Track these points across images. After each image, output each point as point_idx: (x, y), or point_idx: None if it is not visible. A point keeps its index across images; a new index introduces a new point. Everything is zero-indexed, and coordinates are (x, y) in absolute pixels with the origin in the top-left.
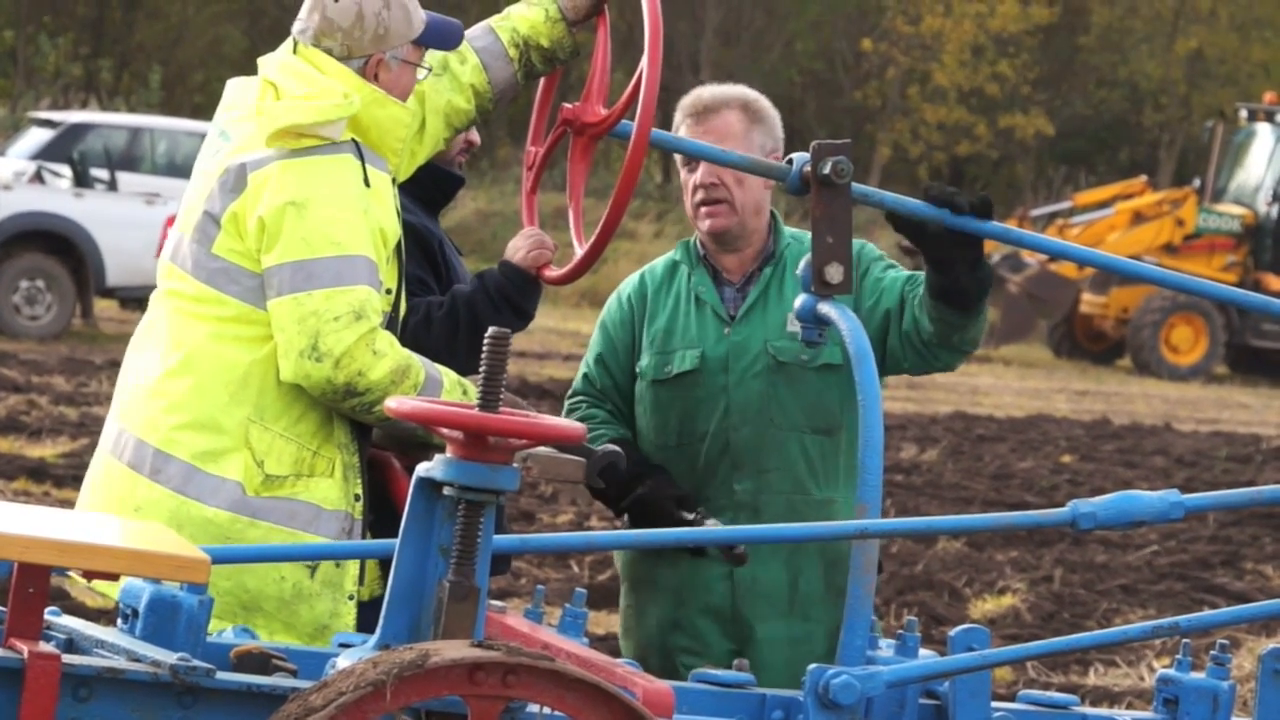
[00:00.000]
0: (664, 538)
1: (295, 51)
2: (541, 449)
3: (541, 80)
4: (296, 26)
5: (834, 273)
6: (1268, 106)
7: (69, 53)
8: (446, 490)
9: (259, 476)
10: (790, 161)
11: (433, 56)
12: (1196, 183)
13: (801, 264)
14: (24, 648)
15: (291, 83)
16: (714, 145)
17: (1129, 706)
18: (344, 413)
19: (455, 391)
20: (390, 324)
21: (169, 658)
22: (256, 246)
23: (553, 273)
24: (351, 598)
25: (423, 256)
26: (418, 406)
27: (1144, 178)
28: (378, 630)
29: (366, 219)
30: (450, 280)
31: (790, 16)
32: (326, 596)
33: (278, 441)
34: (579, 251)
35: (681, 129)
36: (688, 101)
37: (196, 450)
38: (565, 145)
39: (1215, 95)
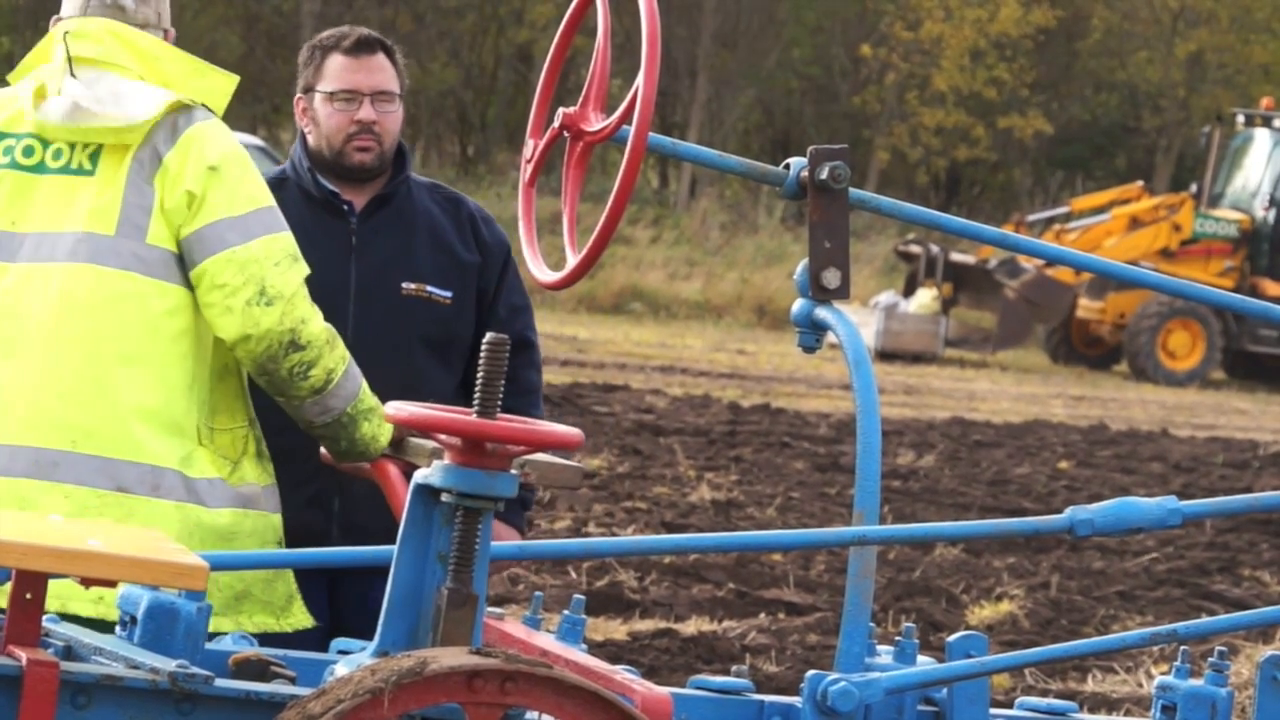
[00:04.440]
0: (659, 545)
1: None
2: (539, 455)
3: (543, 74)
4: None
5: (831, 278)
6: (1265, 112)
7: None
8: (444, 497)
9: (227, 467)
10: (787, 167)
11: None
12: (1193, 188)
13: (799, 269)
14: (22, 654)
15: (126, 57)
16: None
17: (1127, 713)
18: (279, 381)
19: (365, 382)
20: None
21: (167, 664)
22: (182, 221)
23: (550, 277)
24: None
25: None
26: (417, 413)
27: (1141, 183)
28: (376, 637)
29: (257, 171)
30: None
31: (788, 22)
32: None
33: (216, 435)
34: (572, 258)
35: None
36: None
37: (178, 457)
38: (562, 149)
39: (1215, 98)
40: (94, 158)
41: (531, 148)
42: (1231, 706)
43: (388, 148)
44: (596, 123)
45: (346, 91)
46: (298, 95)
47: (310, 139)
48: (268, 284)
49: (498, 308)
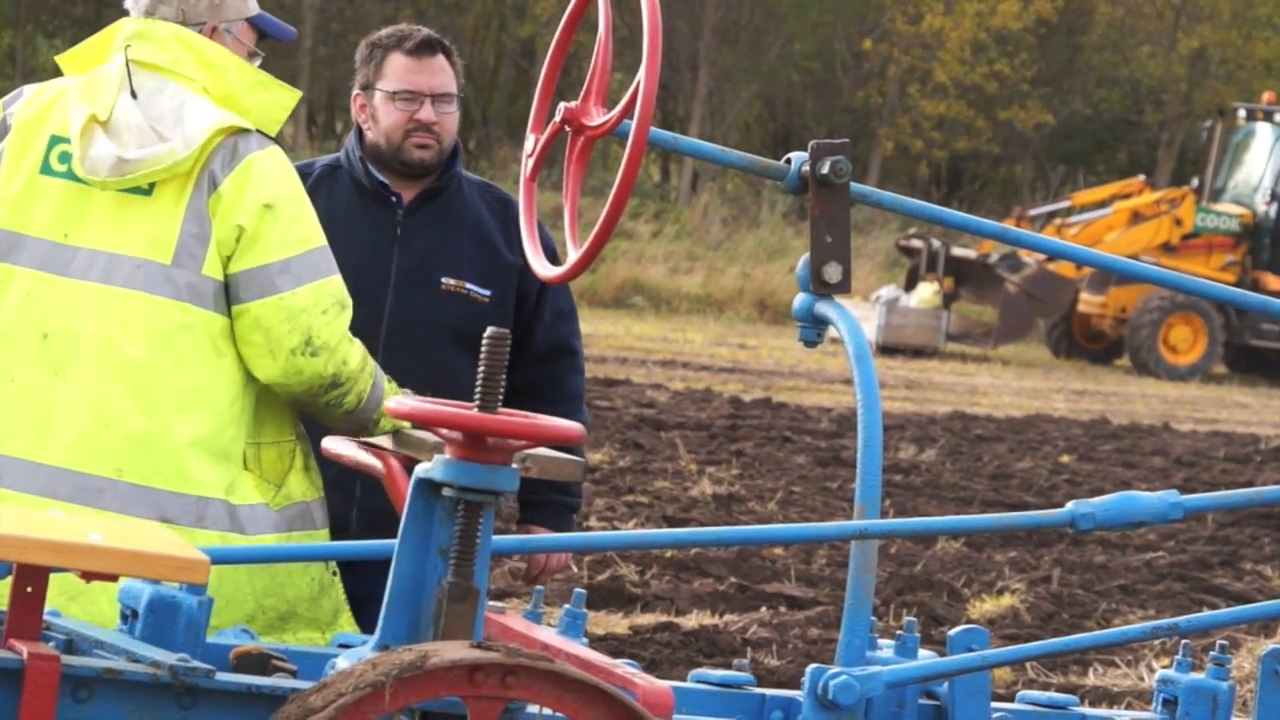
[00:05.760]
0: (660, 539)
1: (142, 34)
2: (540, 449)
3: (544, 68)
4: (129, 2)
5: (832, 272)
6: (1266, 106)
7: None
8: (445, 491)
9: (271, 491)
10: (789, 161)
11: None
12: (1195, 182)
13: (800, 263)
14: (23, 648)
15: (192, 67)
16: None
17: (1128, 707)
18: (316, 409)
19: (385, 378)
20: None
21: (168, 658)
22: (229, 253)
23: (551, 272)
24: (335, 573)
25: None
26: (417, 407)
27: (1142, 177)
28: (377, 631)
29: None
30: None
31: (789, 16)
32: (335, 582)
33: (259, 452)
34: (574, 252)
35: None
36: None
37: (224, 485)
38: (563, 143)
39: (1217, 93)
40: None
41: (533, 142)
42: (1233, 700)
43: (446, 146)
44: (598, 117)
45: (407, 92)
46: (355, 91)
47: (368, 134)
48: (314, 334)
49: (542, 312)
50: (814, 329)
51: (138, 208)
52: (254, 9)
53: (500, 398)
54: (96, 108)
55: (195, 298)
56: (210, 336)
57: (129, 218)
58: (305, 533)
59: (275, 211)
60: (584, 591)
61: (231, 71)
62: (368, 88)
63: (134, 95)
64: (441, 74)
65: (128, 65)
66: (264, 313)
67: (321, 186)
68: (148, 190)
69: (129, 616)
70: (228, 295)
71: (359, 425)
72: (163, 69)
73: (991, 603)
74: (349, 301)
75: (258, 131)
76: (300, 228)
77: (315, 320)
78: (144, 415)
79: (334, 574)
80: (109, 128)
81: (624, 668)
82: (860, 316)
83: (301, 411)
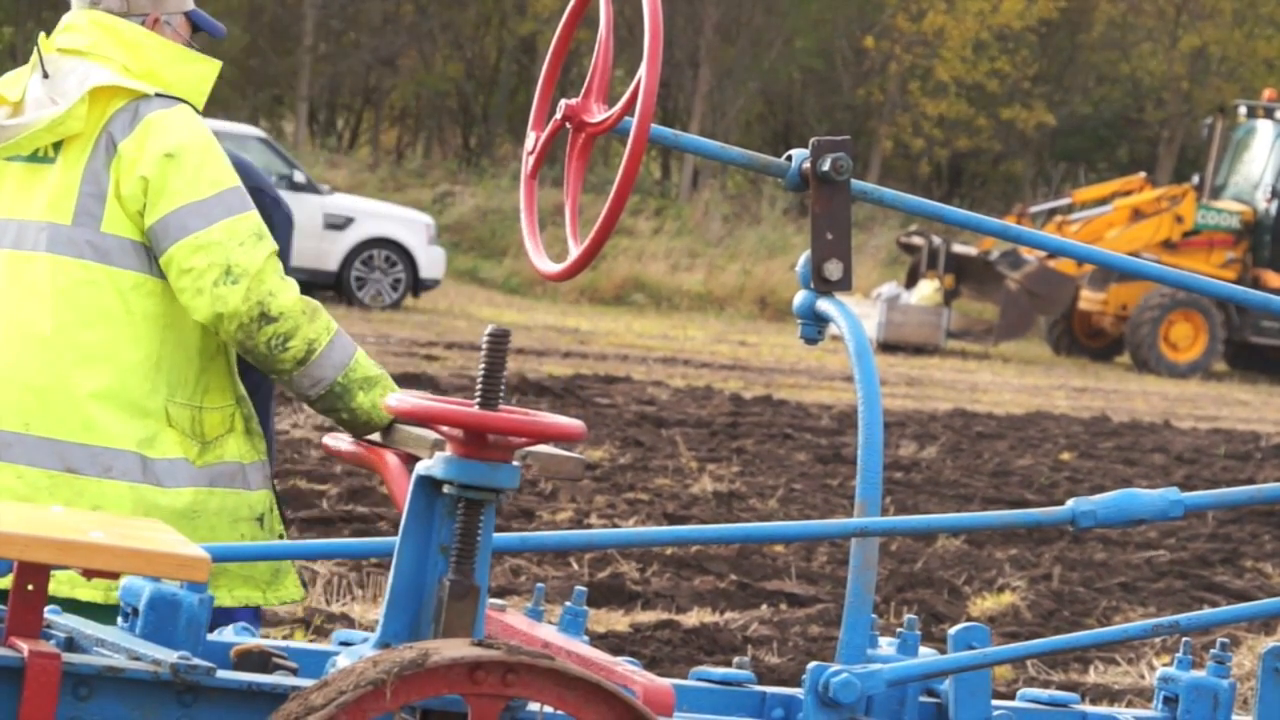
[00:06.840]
0: (661, 536)
1: (83, 24)
2: (541, 446)
3: (545, 65)
4: None
5: (833, 269)
6: (1267, 103)
7: None
8: (446, 489)
9: (195, 446)
10: (789, 158)
11: None
12: (1195, 179)
13: (800, 260)
14: (24, 646)
15: (110, 47)
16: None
17: (1129, 704)
18: (260, 357)
19: (363, 352)
20: None
21: (169, 656)
22: (138, 208)
23: (552, 269)
24: (282, 537)
25: None
26: (418, 404)
27: (1143, 174)
28: (378, 629)
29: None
30: None
31: (790, 14)
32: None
33: (189, 412)
34: (574, 249)
35: None
36: None
37: (138, 438)
38: (564, 140)
39: (1218, 90)
40: (57, 146)
41: (534, 139)
42: (1233, 698)
43: None
44: (599, 114)
45: None
46: None
47: None
48: (232, 263)
49: None
50: (815, 326)
51: (43, 175)
52: (190, 3)
53: (501, 395)
54: (9, 91)
55: (97, 255)
56: (119, 292)
57: (35, 186)
58: (232, 491)
59: (178, 160)
60: (584, 589)
61: (149, 48)
62: None
63: (45, 76)
64: None
65: (39, 49)
66: (181, 254)
67: None
68: (52, 158)
69: (129, 614)
70: (147, 252)
71: (324, 388)
72: (83, 53)
73: (992, 600)
74: (268, 234)
75: (161, 95)
76: (210, 172)
77: (233, 251)
78: (45, 369)
79: (280, 536)
80: (21, 108)
81: (625, 665)
82: (861, 314)
83: (254, 369)
